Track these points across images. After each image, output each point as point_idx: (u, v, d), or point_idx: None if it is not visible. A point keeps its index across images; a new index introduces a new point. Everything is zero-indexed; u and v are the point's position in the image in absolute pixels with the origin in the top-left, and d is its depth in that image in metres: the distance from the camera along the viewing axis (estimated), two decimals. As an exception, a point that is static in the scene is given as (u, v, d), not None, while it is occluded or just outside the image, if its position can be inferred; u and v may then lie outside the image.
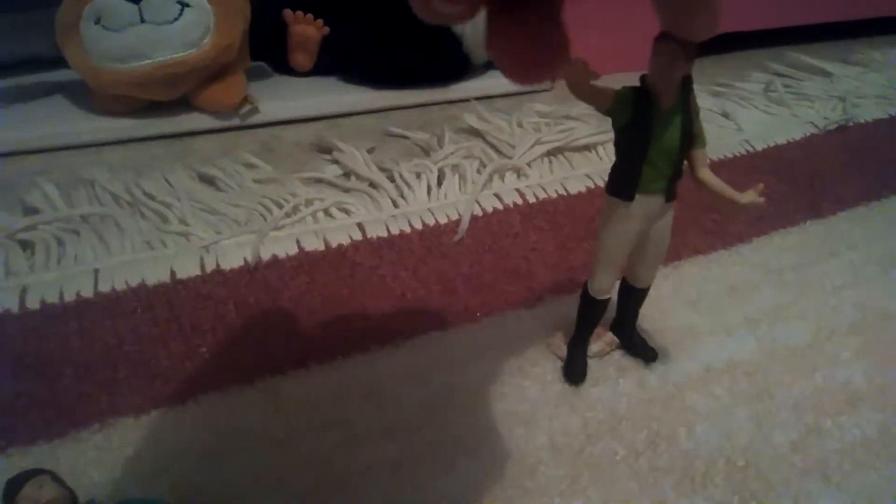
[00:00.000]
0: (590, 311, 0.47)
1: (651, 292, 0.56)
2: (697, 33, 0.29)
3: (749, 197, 0.39)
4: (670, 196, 0.41)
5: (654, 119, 0.37)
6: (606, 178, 0.41)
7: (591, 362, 0.49)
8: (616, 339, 0.50)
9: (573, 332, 0.48)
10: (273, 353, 0.48)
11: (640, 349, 0.50)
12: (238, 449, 0.41)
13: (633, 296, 0.48)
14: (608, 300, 0.46)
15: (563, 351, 0.49)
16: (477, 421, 0.44)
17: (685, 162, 0.40)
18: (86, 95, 0.78)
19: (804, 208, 0.69)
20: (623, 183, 0.40)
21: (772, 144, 0.81)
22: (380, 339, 0.50)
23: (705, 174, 0.40)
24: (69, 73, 0.78)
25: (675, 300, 0.55)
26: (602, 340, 0.50)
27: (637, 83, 0.37)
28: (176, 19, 0.72)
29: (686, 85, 0.37)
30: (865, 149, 0.81)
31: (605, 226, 0.42)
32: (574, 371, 0.47)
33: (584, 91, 0.37)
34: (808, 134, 0.83)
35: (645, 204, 0.40)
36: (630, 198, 0.40)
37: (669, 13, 0.28)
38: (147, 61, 0.72)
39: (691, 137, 0.38)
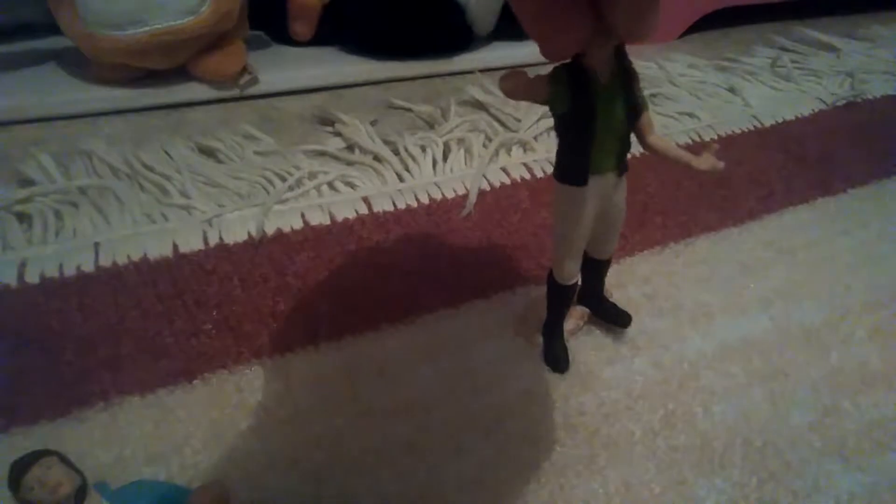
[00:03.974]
0: (560, 298, 0.44)
1: (663, 269, 0.55)
2: (637, 38, 0.29)
3: (707, 162, 0.36)
4: (622, 171, 0.38)
5: (596, 98, 0.34)
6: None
7: (599, 343, 0.48)
8: (587, 311, 0.49)
9: (546, 319, 0.46)
10: (281, 330, 0.47)
11: (613, 315, 0.48)
12: (249, 428, 0.40)
13: (597, 268, 0.45)
14: (577, 283, 0.44)
15: (538, 339, 0.47)
16: (491, 400, 0.43)
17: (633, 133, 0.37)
18: (80, 64, 0.76)
19: (814, 185, 0.68)
20: (573, 169, 0.37)
21: (780, 120, 0.80)
22: (389, 317, 0.49)
23: (654, 140, 0.37)
24: (63, 41, 0.76)
25: (687, 278, 0.55)
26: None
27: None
28: (173, -15, 0.70)
29: (619, 52, 0.34)
30: (875, 126, 0.80)
31: (561, 213, 0.39)
32: (558, 359, 0.46)
33: (521, 89, 0.34)
34: (817, 110, 0.82)
35: (598, 184, 0.37)
36: (583, 182, 0.37)
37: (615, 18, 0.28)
38: (143, 28, 0.70)
39: (636, 108, 0.36)
